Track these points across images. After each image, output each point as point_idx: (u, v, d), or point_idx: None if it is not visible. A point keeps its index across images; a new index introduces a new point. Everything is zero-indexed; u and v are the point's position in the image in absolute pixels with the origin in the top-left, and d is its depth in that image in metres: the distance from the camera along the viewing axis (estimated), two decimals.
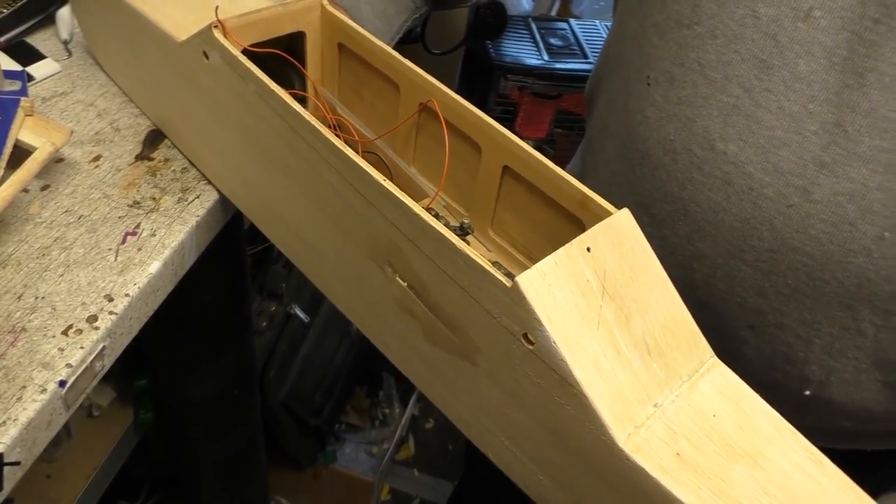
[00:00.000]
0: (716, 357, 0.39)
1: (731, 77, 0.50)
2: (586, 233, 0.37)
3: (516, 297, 0.35)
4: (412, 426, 1.66)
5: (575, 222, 0.42)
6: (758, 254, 0.51)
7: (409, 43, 0.78)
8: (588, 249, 0.37)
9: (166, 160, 0.63)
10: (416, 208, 0.38)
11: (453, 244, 0.37)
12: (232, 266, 0.82)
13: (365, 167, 0.40)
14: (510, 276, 0.35)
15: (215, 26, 0.48)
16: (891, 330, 0.51)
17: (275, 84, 0.45)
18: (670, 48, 0.53)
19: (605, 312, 0.36)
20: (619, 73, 0.60)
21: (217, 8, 0.47)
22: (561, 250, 0.36)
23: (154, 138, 0.65)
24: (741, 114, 0.50)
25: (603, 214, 0.39)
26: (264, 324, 1.26)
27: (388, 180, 0.39)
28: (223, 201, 0.61)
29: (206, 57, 0.50)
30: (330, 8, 0.53)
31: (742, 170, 0.50)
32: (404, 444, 1.64)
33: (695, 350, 0.38)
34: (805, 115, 0.48)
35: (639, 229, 0.39)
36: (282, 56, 0.53)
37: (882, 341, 0.52)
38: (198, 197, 0.61)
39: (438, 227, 0.37)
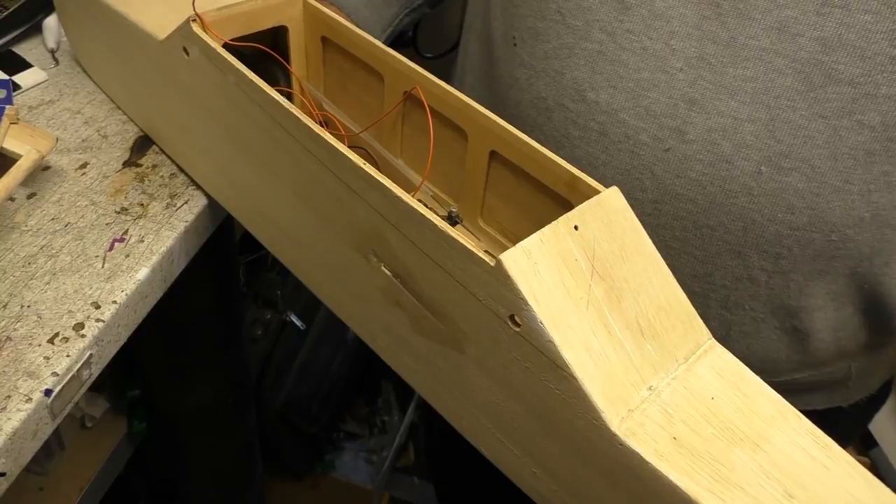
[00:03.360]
0: (713, 339, 0.38)
1: (592, 22, 0.49)
2: (573, 211, 0.36)
3: (501, 277, 0.33)
4: (412, 433, 1.62)
5: (565, 206, 0.41)
6: (642, 206, 0.50)
7: (400, 47, 0.78)
8: (576, 228, 0.35)
9: (154, 166, 0.63)
10: (397, 191, 0.37)
11: (435, 225, 0.36)
12: (223, 272, 0.81)
13: (344, 151, 0.39)
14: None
15: (193, 20, 0.47)
16: (782, 275, 0.50)
17: (253, 74, 0.44)
18: (531, 3, 0.52)
19: (595, 292, 0.35)
20: (485, 44, 0.59)
21: (194, 1, 0.47)
22: (546, 228, 0.34)
23: (142, 144, 0.64)
24: (607, 59, 0.49)
25: (592, 194, 0.38)
26: (259, 332, 1.25)
27: (367, 164, 0.38)
28: (212, 206, 0.61)
29: (187, 53, 0.49)
30: (312, 1, 0.52)
31: (615, 118, 0.49)
32: (404, 451, 1.61)
33: (691, 332, 0.37)
34: (668, 53, 0.47)
35: (629, 208, 0.38)
36: (266, 53, 0.52)
37: (775, 287, 0.51)
38: (186, 202, 0.60)
39: (420, 208, 0.36)
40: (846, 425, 0.67)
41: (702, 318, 0.37)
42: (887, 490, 0.33)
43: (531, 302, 0.33)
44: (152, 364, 0.86)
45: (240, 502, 1.04)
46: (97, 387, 0.50)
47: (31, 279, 0.53)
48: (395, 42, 0.73)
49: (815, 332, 0.53)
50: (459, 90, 0.45)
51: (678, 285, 0.38)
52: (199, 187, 0.61)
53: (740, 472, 0.32)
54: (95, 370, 0.51)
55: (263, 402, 1.27)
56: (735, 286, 0.51)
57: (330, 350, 1.41)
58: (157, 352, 0.83)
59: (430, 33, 0.81)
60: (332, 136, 0.40)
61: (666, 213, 0.50)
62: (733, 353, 0.37)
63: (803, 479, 0.33)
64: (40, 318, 0.50)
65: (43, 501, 0.82)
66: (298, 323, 1.28)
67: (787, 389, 0.44)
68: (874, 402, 0.69)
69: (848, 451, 0.35)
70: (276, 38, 0.54)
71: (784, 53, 0.45)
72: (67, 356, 0.48)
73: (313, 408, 1.39)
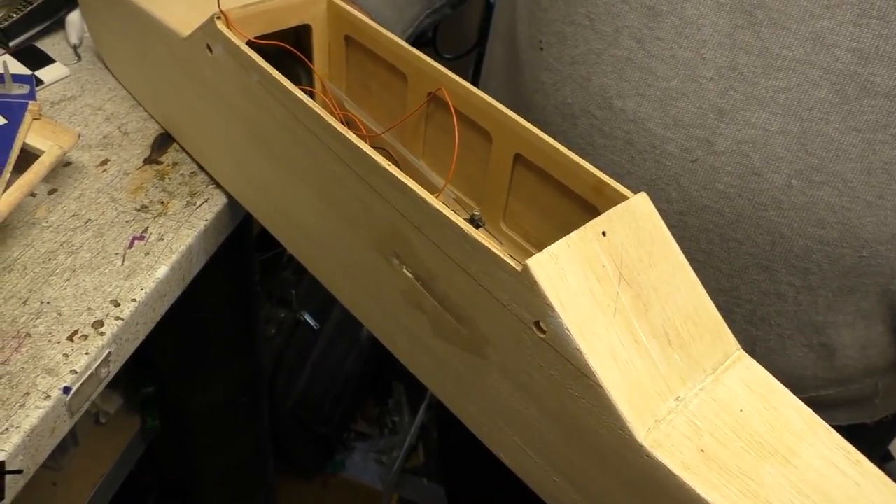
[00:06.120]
0: (742, 350, 0.37)
1: (622, 28, 0.48)
2: (601, 216, 0.35)
3: (527, 282, 0.33)
4: (422, 434, 1.63)
5: (590, 211, 0.40)
6: (668, 218, 0.49)
7: (420, 48, 0.78)
8: (603, 234, 0.35)
9: (175, 164, 0.63)
10: (421, 191, 0.36)
11: (459, 228, 0.35)
12: (240, 271, 0.81)
13: (367, 151, 0.39)
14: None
15: (218, 17, 0.47)
16: (810, 290, 0.49)
17: (277, 72, 0.44)
18: (559, 7, 0.51)
19: (622, 300, 0.34)
20: (510, 47, 0.58)
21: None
22: (574, 234, 0.34)
23: (162, 142, 0.64)
24: (635, 66, 0.48)
25: (619, 200, 0.37)
26: (273, 331, 1.25)
27: (391, 164, 0.38)
28: (231, 205, 0.60)
29: (210, 50, 0.49)
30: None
31: (642, 127, 0.48)
32: (414, 452, 1.61)
33: (719, 342, 0.36)
34: (699, 62, 0.46)
35: (657, 214, 0.37)
36: (289, 51, 0.52)
37: (803, 303, 0.50)
38: (206, 201, 0.60)
39: (444, 210, 0.35)
40: (870, 442, 0.66)
41: None
42: None
43: (558, 308, 0.32)
44: (167, 361, 0.86)
45: (250, 500, 1.04)
46: (112, 383, 0.50)
47: (51, 276, 0.52)
48: (415, 43, 0.72)
49: (843, 348, 0.52)
50: (484, 93, 0.44)
51: (706, 294, 0.37)
52: (219, 186, 0.61)
53: (769, 487, 0.32)
54: (114, 368, 0.51)
55: (276, 401, 1.27)
56: (761, 301, 0.50)
57: (343, 350, 1.41)
58: (171, 349, 0.83)
59: (449, 35, 0.81)
60: (353, 135, 0.40)
61: (692, 225, 0.49)
62: None
63: (834, 495, 0.32)
64: (60, 315, 0.50)
65: (56, 496, 0.82)
66: (312, 322, 1.28)
67: (811, 405, 0.44)
68: None
69: None
70: (298, 36, 0.54)
71: (818, 65, 0.44)
72: (86, 354, 0.48)
73: (325, 407, 1.39)
